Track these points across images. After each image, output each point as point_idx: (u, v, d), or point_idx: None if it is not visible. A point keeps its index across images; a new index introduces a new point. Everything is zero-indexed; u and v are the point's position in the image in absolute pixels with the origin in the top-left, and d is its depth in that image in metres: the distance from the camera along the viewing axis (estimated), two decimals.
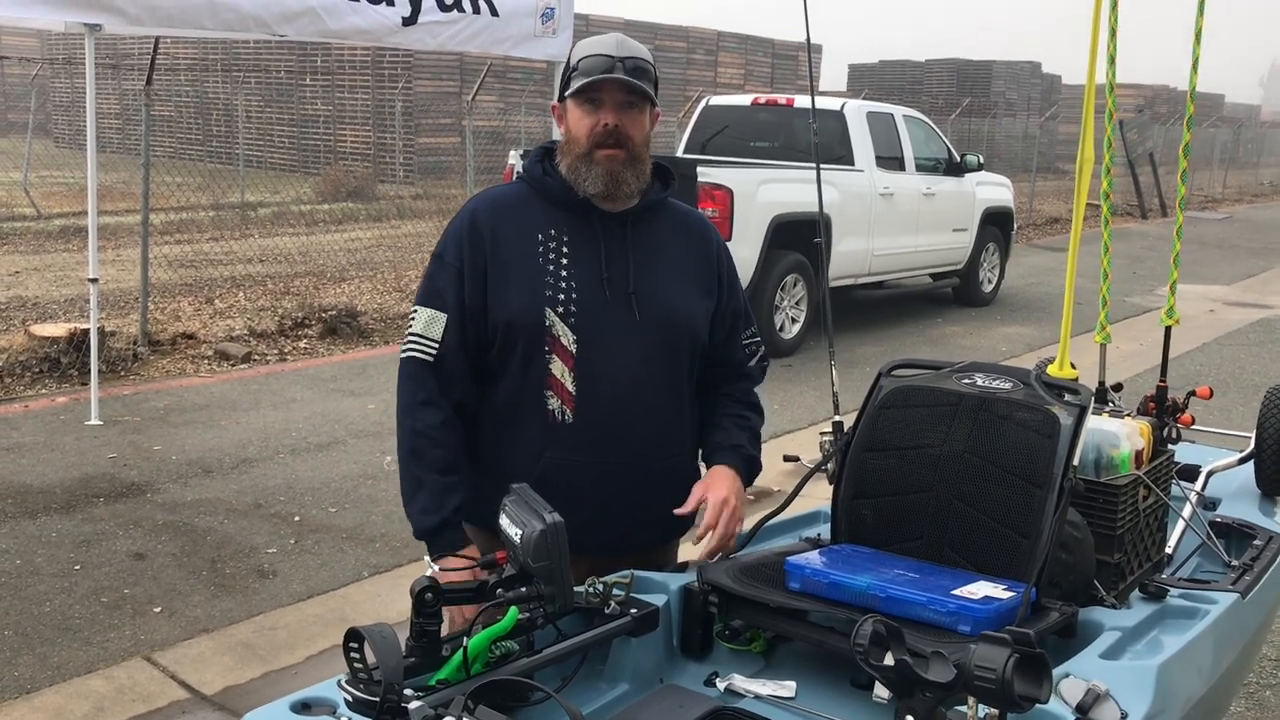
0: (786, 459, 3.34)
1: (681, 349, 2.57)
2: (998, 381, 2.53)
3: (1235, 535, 2.99)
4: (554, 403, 2.47)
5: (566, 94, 2.46)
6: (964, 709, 1.82)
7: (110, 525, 5.56)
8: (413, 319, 2.52)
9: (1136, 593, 2.52)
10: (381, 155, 23.59)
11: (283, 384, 8.38)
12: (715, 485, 2.59)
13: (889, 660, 1.40)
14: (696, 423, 2.70)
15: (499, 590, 2.04)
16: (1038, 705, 1.93)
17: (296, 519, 5.72)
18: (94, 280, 7.31)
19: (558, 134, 2.57)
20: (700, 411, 2.74)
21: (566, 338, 2.45)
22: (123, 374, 8.35)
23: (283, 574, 5.08)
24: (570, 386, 2.46)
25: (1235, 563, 2.72)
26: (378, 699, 1.50)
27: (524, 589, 2.02)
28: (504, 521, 2.06)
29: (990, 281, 12.89)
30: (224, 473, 6.37)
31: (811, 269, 9.95)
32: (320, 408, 7.74)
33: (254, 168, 22.13)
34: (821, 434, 2.88)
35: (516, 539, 2.01)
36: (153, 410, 7.52)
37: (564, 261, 2.47)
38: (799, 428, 7.53)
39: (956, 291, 12.64)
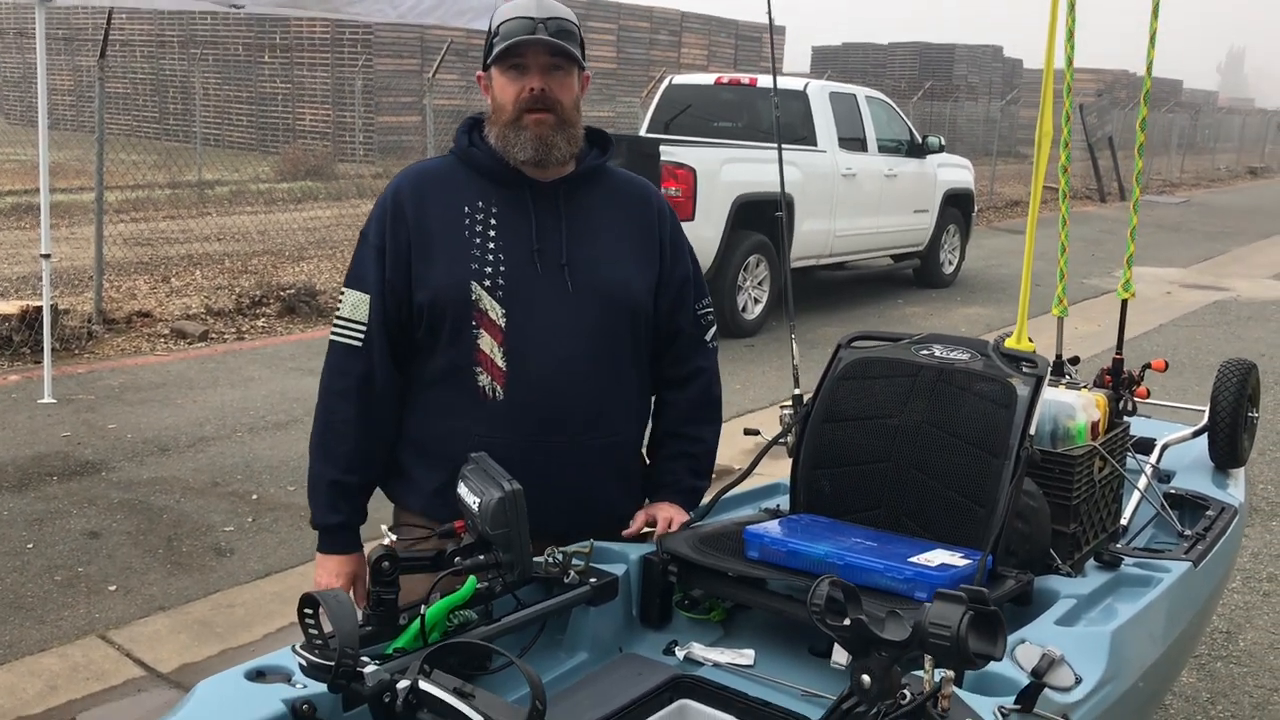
0: (747, 432, 3.34)
1: (621, 322, 2.48)
2: (955, 352, 2.54)
3: (1189, 506, 3.03)
4: (484, 379, 2.39)
5: (490, 61, 2.38)
6: (921, 672, 1.83)
7: (64, 504, 5.48)
8: (340, 302, 2.46)
9: (1092, 561, 2.54)
10: (341, 134, 23.35)
11: (240, 362, 8.29)
12: (660, 508, 2.59)
13: (845, 621, 1.40)
14: (646, 399, 2.62)
15: (457, 559, 2.03)
16: (991, 664, 1.95)
17: (254, 497, 5.66)
18: (46, 256, 7.19)
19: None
20: (656, 408, 2.67)
21: (494, 312, 2.37)
22: (77, 352, 8.23)
23: (240, 552, 5.04)
24: (500, 362, 2.39)
25: (1188, 533, 2.75)
26: (333, 664, 1.49)
27: (482, 557, 2.01)
28: (462, 490, 2.05)
29: (951, 263, 12.97)
30: (180, 451, 6.30)
31: (774, 249, 9.96)
32: (278, 386, 7.66)
33: (211, 146, 21.83)
34: (781, 407, 2.89)
35: (475, 507, 2.00)
36: (107, 389, 7.42)
37: (491, 234, 2.40)
38: (760, 406, 7.54)
39: (917, 273, 12.71)
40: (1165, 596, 2.42)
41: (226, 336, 9.07)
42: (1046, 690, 1.91)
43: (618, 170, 2.60)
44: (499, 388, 2.39)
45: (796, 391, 3.02)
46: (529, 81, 2.34)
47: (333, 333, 2.47)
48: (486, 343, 2.38)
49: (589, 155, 2.51)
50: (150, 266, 11.32)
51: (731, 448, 2.78)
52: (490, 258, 2.39)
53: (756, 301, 9.99)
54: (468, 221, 2.40)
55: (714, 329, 2.69)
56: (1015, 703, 1.83)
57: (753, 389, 8.01)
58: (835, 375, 2.65)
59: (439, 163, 2.52)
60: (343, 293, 2.47)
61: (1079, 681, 2.02)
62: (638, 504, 2.65)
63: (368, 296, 2.41)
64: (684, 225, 9.44)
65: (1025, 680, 1.90)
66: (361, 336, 2.41)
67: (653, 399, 2.68)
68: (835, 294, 11.74)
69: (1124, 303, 3.33)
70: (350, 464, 2.45)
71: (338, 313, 2.46)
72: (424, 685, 1.42)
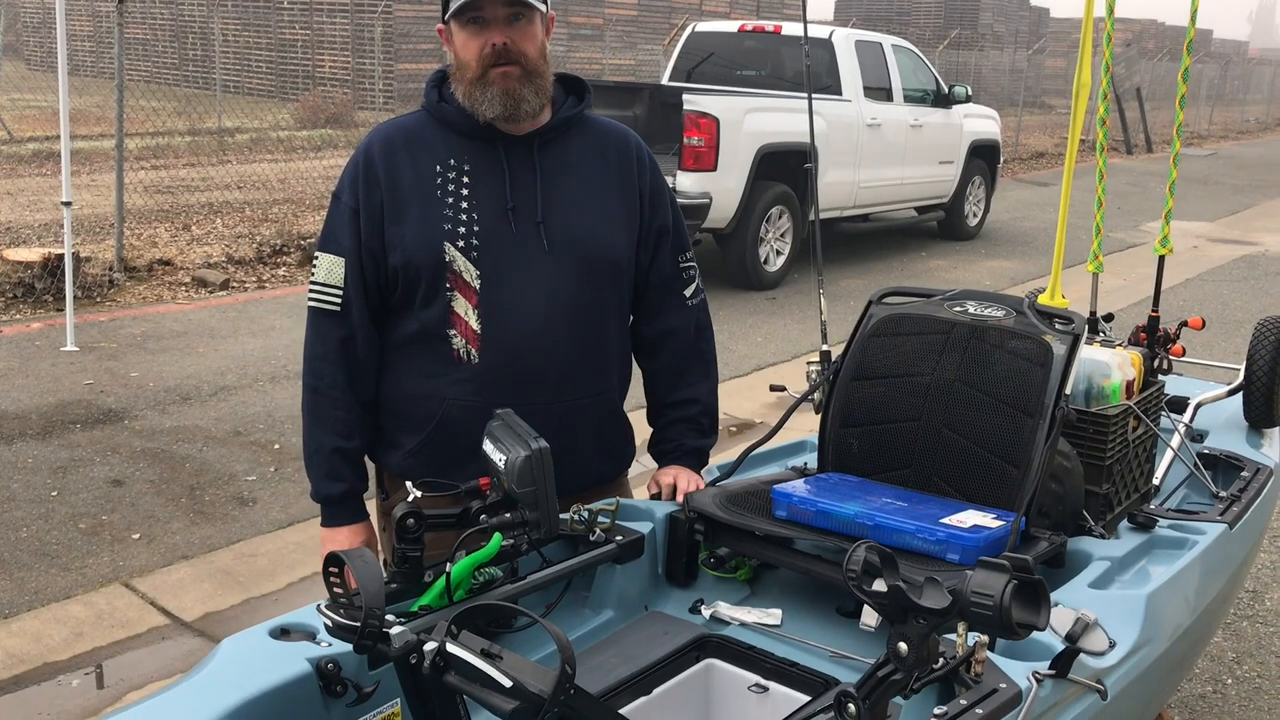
0: (773, 389, 3.30)
1: (601, 279, 2.41)
2: (990, 309, 2.49)
3: (1223, 467, 2.98)
4: (458, 341, 2.34)
5: (448, 16, 2.28)
6: (953, 636, 1.80)
7: (87, 452, 5.50)
8: (315, 267, 2.40)
9: (1125, 523, 2.50)
10: (360, 81, 23.19)
11: (261, 311, 8.28)
12: (667, 472, 2.55)
13: (882, 588, 1.36)
14: (628, 356, 2.56)
15: (482, 516, 2.00)
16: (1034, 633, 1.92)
17: (276, 447, 5.67)
18: (67, 204, 7.17)
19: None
20: (644, 380, 2.62)
21: (469, 273, 2.31)
22: (99, 300, 8.23)
23: (263, 501, 5.05)
24: (475, 324, 2.32)
25: (1223, 494, 2.70)
26: (358, 624, 1.46)
27: (508, 515, 1.99)
28: (488, 447, 2.02)
29: (975, 215, 12.82)
30: (202, 400, 6.31)
31: (797, 200, 9.85)
32: (300, 335, 7.55)
33: (231, 93, 21.74)
34: (808, 364, 2.83)
35: (501, 464, 1.97)
36: (129, 337, 7.43)
37: (464, 192, 2.32)
38: (783, 360, 7.50)
39: (941, 225, 12.56)
40: (1200, 559, 2.38)
41: (248, 285, 9.06)
42: (1082, 655, 1.89)
43: (596, 118, 2.49)
44: (473, 350, 2.34)
45: (824, 347, 2.97)
46: (490, 36, 2.24)
47: (310, 298, 2.40)
48: (461, 305, 2.32)
49: (564, 104, 2.42)
50: (171, 214, 11.30)
51: (754, 401, 2.74)
52: (464, 217, 2.31)
53: (779, 254, 9.90)
54: (440, 180, 2.33)
55: (696, 284, 2.60)
56: (1050, 668, 1.81)
57: (774, 342, 7.96)
58: (866, 332, 2.61)
59: (410, 119, 2.43)
60: (317, 256, 2.40)
61: (1113, 646, 1.99)
62: (621, 464, 2.60)
63: (343, 260, 2.34)
64: (706, 175, 9.36)
65: (1058, 644, 1.88)
66: (339, 300, 2.36)
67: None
68: (858, 246, 11.63)
69: (1161, 259, 3.27)
70: (348, 429, 2.40)
71: (313, 278, 2.39)
72: (451, 648, 1.40)
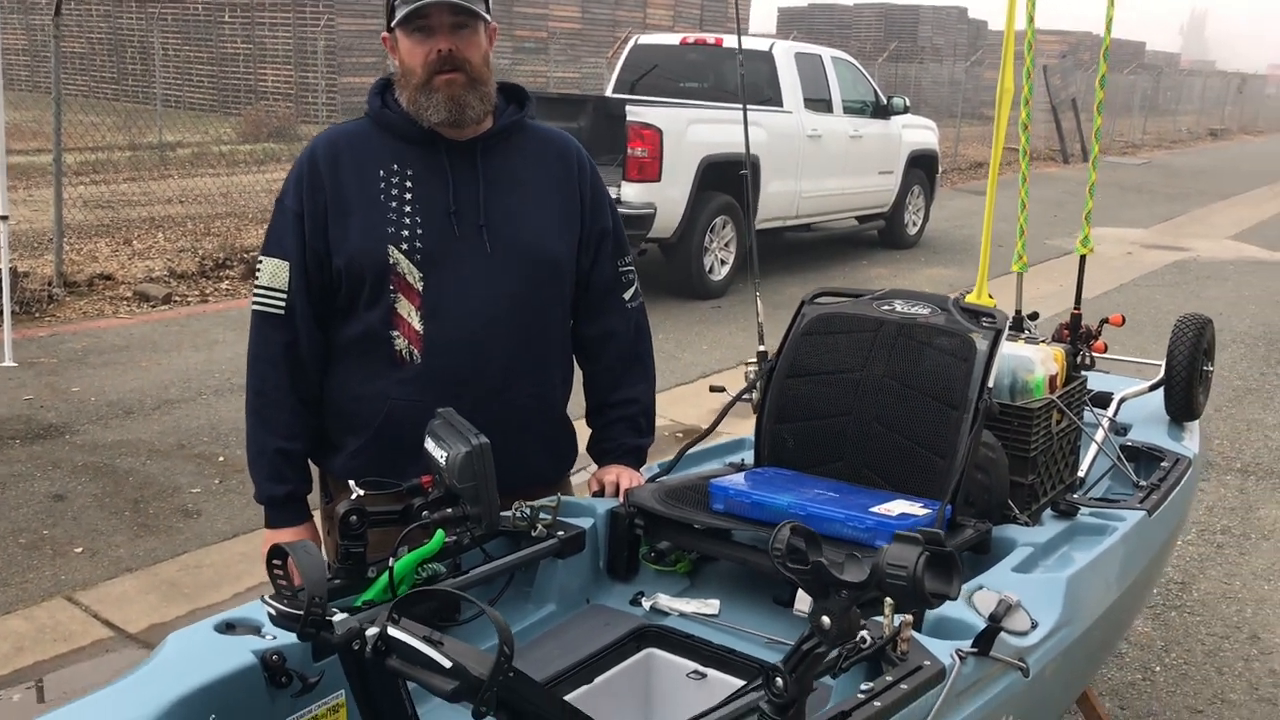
0: (713, 389, 3.37)
1: (543, 281, 2.46)
2: (916, 307, 2.58)
3: (1145, 458, 3.09)
4: (401, 343, 2.38)
5: (394, 24, 2.32)
6: (881, 618, 1.88)
7: (27, 467, 5.44)
8: (259, 271, 2.43)
9: (1049, 511, 2.60)
10: (304, 95, 23.05)
11: (205, 325, 8.23)
12: (608, 470, 2.60)
13: (805, 565, 1.43)
14: (571, 358, 2.62)
15: (425, 512, 2.04)
16: (950, 609, 2.00)
17: (221, 459, 5.65)
18: (4, 218, 7.08)
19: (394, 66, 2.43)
20: (583, 380, 2.67)
21: (412, 275, 2.35)
22: (38, 315, 8.13)
23: (207, 513, 5.03)
24: (417, 326, 2.37)
25: (1143, 483, 2.81)
26: (301, 613, 1.50)
27: (450, 510, 2.03)
28: (430, 444, 2.06)
29: (915, 224, 13.03)
30: (145, 414, 6.26)
31: (741, 209, 9.96)
32: (243, 348, 7.51)
33: (172, 107, 21.50)
34: (746, 364, 2.91)
35: (442, 461, 2.01)
36: (70, 352, 7.35)
37: (408, 196, 2.36)
38: (727, 367, 7.58)
39: (882, 234, 12.76)
40: (1120, 544, 2.48)
41: (190, 299, 9.00)
42: (1003, 634, 1.97)
43: (537, 125, 2.55)
44: (416, 352, 2.38)
45: (761, 348, 3.05)
46: (436, 44, 2.29)
47: (254, 302, 2.43)
48: (404, 307, 2.37)
49: (506, 111, 2.47)
50: (111, 229, 11.18)
51: (700, 408, 2.81)
52: (407, 221, 2.36)
53: (723, 263, 10.00)
54: (383, 185, 2.37)
55: (634, 288, 2.67)
56: (973, 646, 1.88)
57: (720, 349, 8.05)
58: (799, 331, 2.69)
59: (354, 126, 2.48)
60: (260, 260, 2.43)
61: (1035, 626, 2.08)
62: (564, 464, 2.65)
63: (287, 263, 2.38)
64: (650, 186, 9.43)
65: (983, 625, 1.95)
66: (283, 304, 2.39)
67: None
68: (801, 255, 11.77)
69: (1082, 259, 3.38)
70: (291, 431, 2.43)
71: (257, 281, 2.42)
72: (393, 632, 1.44)
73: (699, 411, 6.39)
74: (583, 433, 2.69)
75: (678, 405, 6.36)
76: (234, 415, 6.27)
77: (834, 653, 1.83)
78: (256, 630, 1.79)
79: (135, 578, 4.44)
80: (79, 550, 4.63)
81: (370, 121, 2.44)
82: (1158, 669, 4.00)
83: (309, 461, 2.52)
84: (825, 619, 1.42)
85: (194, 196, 12.53)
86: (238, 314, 8.60)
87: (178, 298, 8.95)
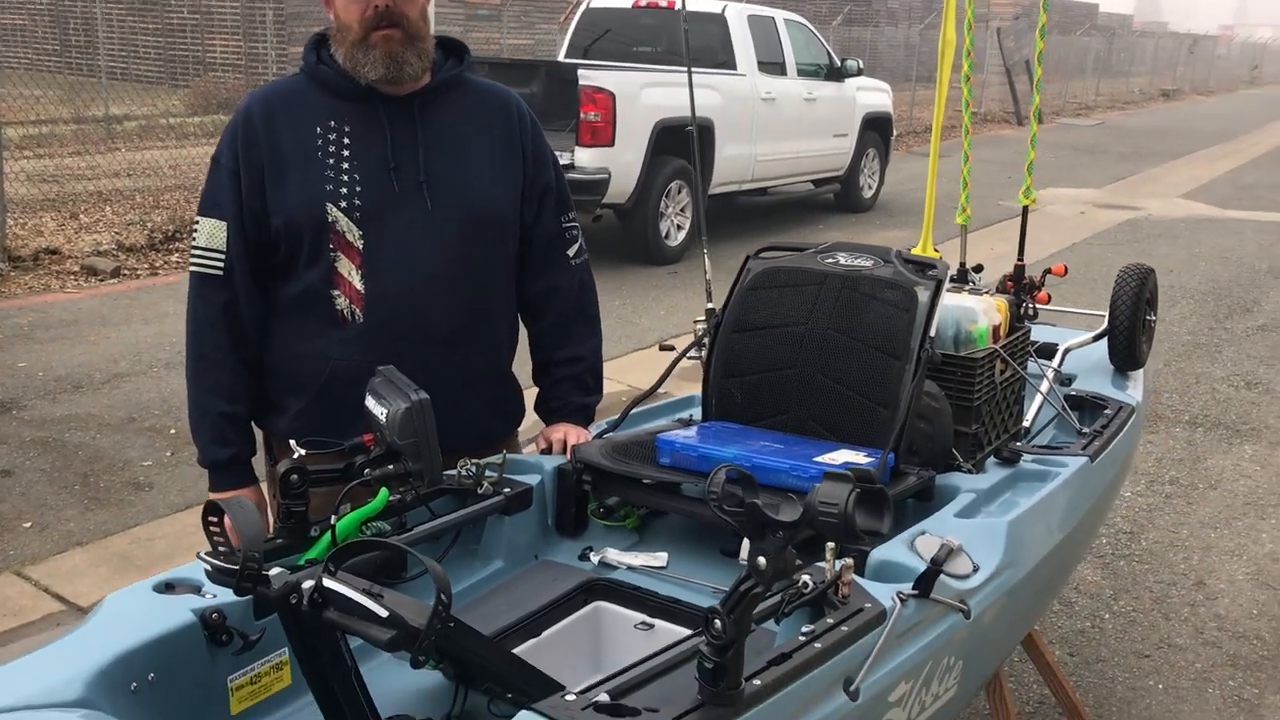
0: (662, 348, 3.36)
1: (485, 238, 2.44)
2: (860, 260, 2.59)
3: (1089, 407, 3.13)
4: (342, 302, 2.36)
5: None
6: (823, 563, 1.89)
7: None
8: (195, 231, 2.39)
9: (993, 459, 2.62)
10: (254, 66, 22.68)
11: (155, 298, 8.12)
12: (556, 429, 2.59)
13: (741, 507, 1.44)
14: (515, 317, 2.61)
15: (366, 470, 2.03)
16: (892, 554, 2.02)
17: (172, 431, 5.59)
18: None
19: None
20: (529, 339, 2.65)
21: (351, 233, 2.33)
22: None
23: (159, 486, 4.99)
24: (358, 284, 2.35)
25: (1086, 430, 2.84)
26: (237, 568, 1.49)
27: (391, 467, 2.02)
28: (370, 402, 2.05)
29: (870, 187, 13.06)
30: (95, 388, 6.18)
31: (699, 180, 9.93)
32: None
33: (118, 80, 21.07)
34: (695, 321, 2.91)
35: (382, 418, 2.00)
36: (16, 327, 7.23)
37: (345, 153, 2.34)
38: (684, 332, 7.58)
39: (837, 197, 12.78)
40: (1062, 489, 2.51)
41: (140, 273, 8.87)
42: (945, 578, 1.99)
43: (476, 79, 2.53)
44: (357, 310, 2.36)
45: (710, 305, 3.05)
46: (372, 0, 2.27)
47: (192, 263, 2.40)
48: (344, 265, 2.35)
49: (444, 66, 2.44)
50: (57, 203, 10.97)
51: (655, 372, 2.80)
52: (345, 178, 2.33)
53: (679, 228, 9.98)
54: (320, 142, 2.34)
55: (579, 244, 2.65)
56: (913, 588, 1.90)
57: (677, 314, 8.05)
58: (744, 286, 2.69)
59: (288, 83, 2.45)
60: (197, 221, 2.39)
61: (976, 569, 2.10)
62: (511, 421, 2.65)
63: (224, 223, 2.35)
64: (604, 151, 9.40)
65: (923, 567, 1.97)
66: (222, 264, 2.36)
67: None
68: (757, 220, 11.78)
69: (1025, 209, 3.41)
70: (233, 393, 2.41)
71: (194, 242, 2.39)
72: (328, 583, 1.44)
73: (655, 376, 6.38)
74: (530, 394, 2.69)
75: (634, 371, 6.36)
76: (185, 388, 6.20)
77: (776, 598, 1.85)
78: (197, 590, 1.78)
79: (86, 551, 4.39)
80: (28, 525, 4.57)
81: (305, 78, 2.41)
82: (1106, 616, 4.07)
83: (252, 424, 2.50)
84: (761, 560, 1.43)
85: (142, 170, 12.33)
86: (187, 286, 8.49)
87: (126, 271, 8.82)
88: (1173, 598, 4.21)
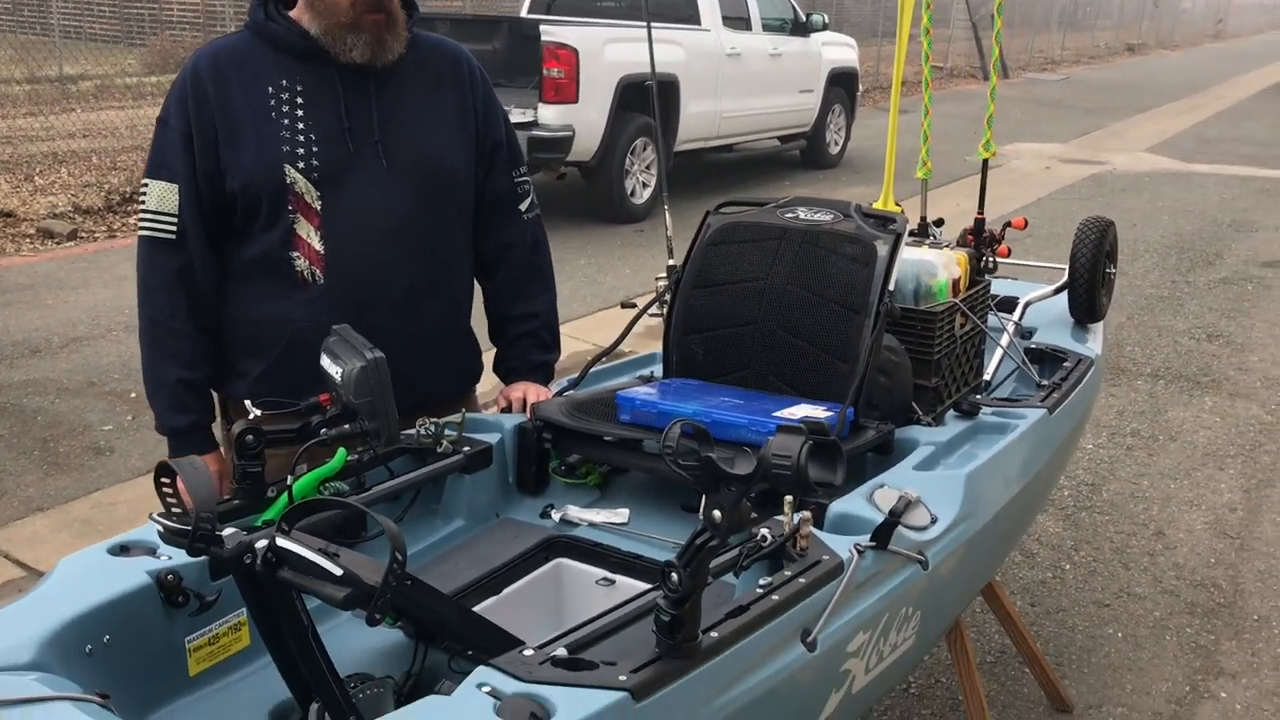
0: (624, 305, 3.35)
1: (442, 196, 2.43)
2: (819, 214, 2.58)
3: (1049, 360, 3.15)
4: (302, 264, 2.34)
5: None
6: (781, 517, 1.90)
7: None
8: (144, 194, 2.34)
9: (952, 412, 2.64)
10: (212, 24, 22.28)
11: (113, 261, 8.01)
12: (515, 388, 2.59)
13: (695, 461, 1.44)
14: (471, 276, 2.60)
15: (323, 430, 2.02)
16: (850, 507, 2.03)
17: (133, 395, 5.53)
18: None
19: None
20: (483, 295, 2.64)
21: (310, 195, 2.31)
22: None
23: (121, 450, 4.94)
24: (318, 246, 2.33)
25: (1045, 383, 2.86)
26: (190, 528, 1.48)
27: (347, 426, 2.01)
28: (325, 362, 2.03)
29: (837, 143, 13.03)
30: (53, 352, 6.11)
31: (660, 134, 9.87)
32: None
33: (72, 39, 20.67)
34: (657, 279, 2.90)
35: (338, 377, 1.99)
36: None
37: (299, 114, 2.31)
38: (650, 291, 7.57)
39: (804, 154, 12.75)
40: (1020, 441, 2.53)
41: (97, 235, 8.75)
42: (903, 529, 2.00)
43: (425, 36, 2.50)
44: (318, 271, 2.34)
45: (671, 262, 3.04)
46: None
47: (142, 227, 2.35)
48: (303, 227, 2.32)
49: None
50: (11, 165, 10.78)
51: (618, 331, 2.78)
52: (301, 139, 2.30)
53: (645, 186, 9.93)
54: (273, 102, 2.30)
55: (531, 199, 2.64)
56: (871, 540, 1.92)
57: (643, 273, 8.03)
58: (704, 242, 2.68)
59: (235, 41, 2.39)
60: (145, 184, 2.34)
61: (934, 521, 2.12)
62: (469, 380, 2.64)
63: (176, 185, 2.30)
64: (567, 108, 9.31)
65: (881, 518, 1.98)
66: (174, 228, 2.31)
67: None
68: (722, 177, 11.74)
69: (985, 162, 3.41)
70: (191, 360, 2.38)
71: (143, 206, 2.34)
72: (282, 542, 1.43)
73: (616, 334, 6.37)
74: (489, 356, 2.68)
75: (600, 330, 6.34)
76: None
77: (734, 551, 1.86)
78: (152, 552, 1.76)
79: (46, 517, 4.36)
80: None
81: (251, 35, 2.36)
82: (1067, 567, 4.12)
83: (209, 390, 2.47)
84: (716, 513, 1.43)
85: (99, 131, 12.13)
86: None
87: (84, 234, 8.70)
88: (1133, 548, 4.27)
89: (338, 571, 1.40)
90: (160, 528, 1.55)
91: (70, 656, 1.54)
